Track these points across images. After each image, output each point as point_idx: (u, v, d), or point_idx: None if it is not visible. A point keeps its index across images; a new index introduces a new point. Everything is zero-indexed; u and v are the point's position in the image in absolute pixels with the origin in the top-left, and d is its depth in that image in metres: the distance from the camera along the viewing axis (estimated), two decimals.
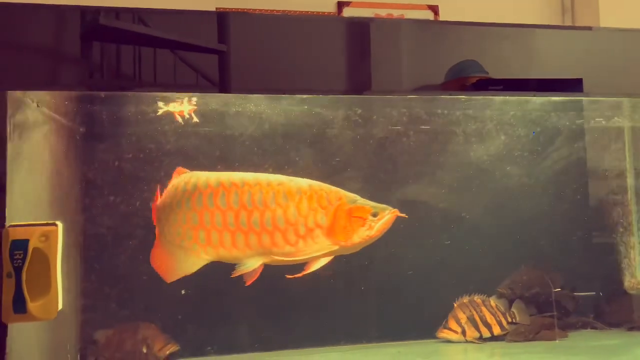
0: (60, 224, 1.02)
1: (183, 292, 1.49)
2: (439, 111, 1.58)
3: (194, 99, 1.38)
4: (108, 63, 1.56)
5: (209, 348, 1.48)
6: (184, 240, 1.12)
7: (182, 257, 1.13)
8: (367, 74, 1.45)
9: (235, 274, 1.11)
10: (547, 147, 1.76)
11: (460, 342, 1.64)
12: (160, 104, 1.38)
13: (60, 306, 1.01)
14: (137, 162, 1.52)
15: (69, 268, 1.40)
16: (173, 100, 1.38)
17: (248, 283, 1.12)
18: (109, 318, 1.48)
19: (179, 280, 1.54)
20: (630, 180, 1.76)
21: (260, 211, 1.09)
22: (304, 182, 1.12)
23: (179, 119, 1.39)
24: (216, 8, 1.96)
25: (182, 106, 1.39)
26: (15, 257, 0.96)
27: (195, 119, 1.40)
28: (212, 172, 1.14)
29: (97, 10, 1.41)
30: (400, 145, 1.65)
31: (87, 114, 1.49)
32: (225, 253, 1.12)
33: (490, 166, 1.70)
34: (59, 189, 1.37)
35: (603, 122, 1.73)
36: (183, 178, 1.15)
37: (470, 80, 1.85)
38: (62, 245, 1.02)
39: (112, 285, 1.50)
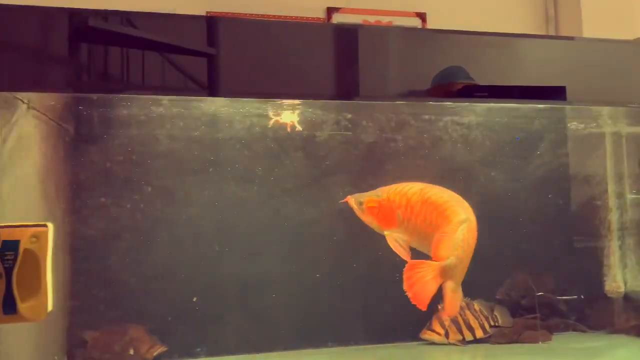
0: (50, 225, 1.03)
1: (195, 299, 1.52)
2: (427, 117, 1.61)
3: (297, 109, 1.41)
4: (98, 65, 1.57)
5: (198, 349, 1.49)
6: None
7: None
8: (355, 79, 1.47)
9: None
10: (530, 152, 1.80)
11: (443, 344, 1.66)
12: (271, 113, 1.42)
13: (50, 307, 1.01)
14: (128, 165, 1.53)
15: (58, 270, 1.40)
16: (284, 110, 1.41)
17: None
18: (96, 320, 1.48)
19: (170, 282, 1.55)
20: (610, 186, 1.81)
21: None
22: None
23: (290, 129, 1.43)
24: (206, 12, 1.97)
25: (292, 115, 1.43)
26: (6, 258, 0.96)
27: (299, 127, 1.43)
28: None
29: (86, 13, 1.42)
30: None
31: (77, 116, 1.49)
32: None
33: (476, 171, 1.73)
34: (49, 190, 1.37)
35: (584, 129, 1.78)
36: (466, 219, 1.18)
37: (455, 87, 1.89)
38: (52, 247, 1.03)
39: (100, 287, 1.51)
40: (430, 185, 1.18)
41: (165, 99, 1.44)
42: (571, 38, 2.00)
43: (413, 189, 1.16)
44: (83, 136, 1.51)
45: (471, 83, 1.93)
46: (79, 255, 1.48)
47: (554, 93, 1.75)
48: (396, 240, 1.12)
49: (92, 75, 1.54)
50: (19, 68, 1.20)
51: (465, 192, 1.59)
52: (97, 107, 1.48)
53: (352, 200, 1.19)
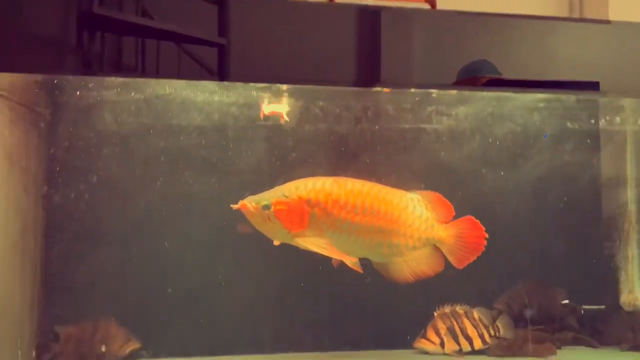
0: None
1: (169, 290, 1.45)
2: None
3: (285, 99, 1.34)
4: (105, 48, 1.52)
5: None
6: None
7: None
8: (373, 66, 1.38)
9: None
10: (544, 153, 1.64)
11: (437, 354, 1.54)
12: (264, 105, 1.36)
13: None
14: (104, 151, 1.46)
15: (25, 261, 1.36)
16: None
17: None
18: (68, 313, 1.43)
19: (141, 278, 1.49)
20: (630, 191, 1.63)
21: None
22: None
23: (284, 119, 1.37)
24: None
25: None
26: None
27: (286, 118, 1.36)
28: None
29: None
30: None
31: (55, 100, 1.44)
32: None
33: (479, 171, 1.59)
34: (17, 180, 1.32)
35: (603, 126, 1.61)
36: None
37: (482, 81, 1.75)
38: None
39: (73, 280, 1.45)
40: (336, 177, 1.04)
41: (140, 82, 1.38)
42: (606, 22, 1.81)
43: (326, 183, 1.02)
44: (60, 121, 1.45)
45: (497, 77, 1.79)
46: (51, 243, 1.43)
47: (585, 84, 1.60)
48: (317, 243, 0.99)
49: (96, 59, 1.49)
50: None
51: (468, 192, 1.46)
52: (75, 90, 1.42)
53: (250, 204, 0.98)
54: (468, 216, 1.07)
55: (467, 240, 1.06)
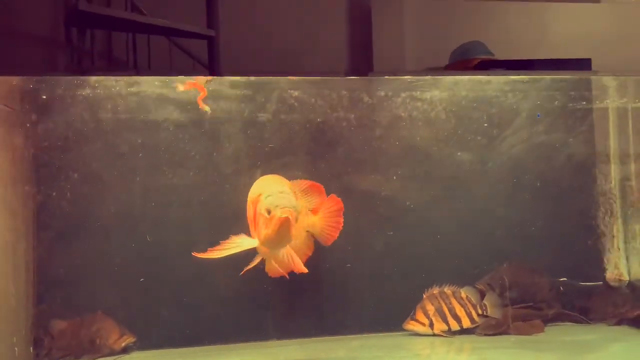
0: None
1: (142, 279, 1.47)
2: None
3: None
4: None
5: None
6: None
7: None
8: (366, 54, 1.37)
9: None
10: (528, 130, 1.65)
11: (427, 335, 1.57)
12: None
13: None
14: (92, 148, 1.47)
15: (17, 259, 1.38)
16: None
17: None
18: (62, 309, 1.46)
19: (130, 272, 1.51)
20: (614, 165, 1.65)
21: None
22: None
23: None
24: None
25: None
26: None
27: (207, 108, 1.37)
28: None
29: None
30: None
31: (40, 100, 1.44)
32: None
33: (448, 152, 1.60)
34: (5, 180, 1.34)
35: (589, 103, 1.62)
36: None
37: (474, 62, 1.75)
38: None
39: (66, 276, 1.47)
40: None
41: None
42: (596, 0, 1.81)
43: (297, 184, 1.06)
44: (46, 120, 1.46)
45: (490, 58, 1.79)
46: (41, 241, 1.45)
47: (579, 64, 1.61)
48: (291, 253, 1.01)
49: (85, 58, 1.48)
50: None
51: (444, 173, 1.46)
52: (61, 89, 1.43)
53: (293, 214, 0.96)
54: (331, 195, 1.11)
55: (330, 219, 1.11)
